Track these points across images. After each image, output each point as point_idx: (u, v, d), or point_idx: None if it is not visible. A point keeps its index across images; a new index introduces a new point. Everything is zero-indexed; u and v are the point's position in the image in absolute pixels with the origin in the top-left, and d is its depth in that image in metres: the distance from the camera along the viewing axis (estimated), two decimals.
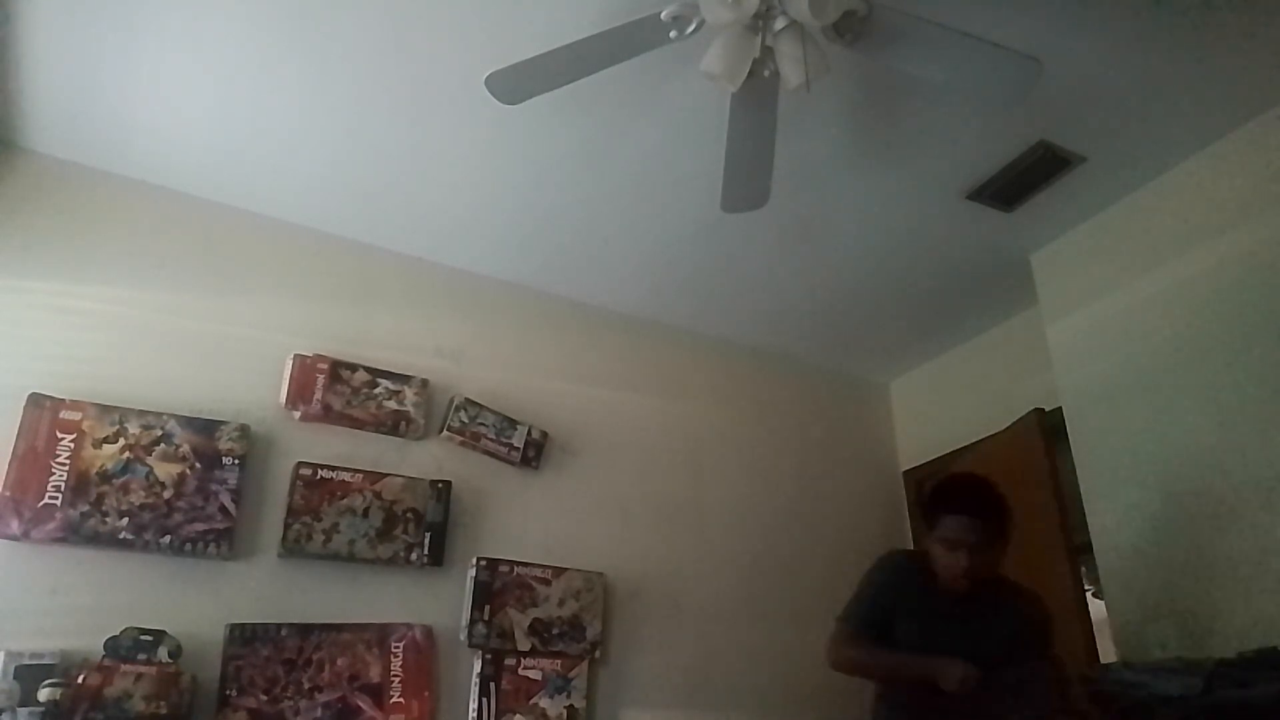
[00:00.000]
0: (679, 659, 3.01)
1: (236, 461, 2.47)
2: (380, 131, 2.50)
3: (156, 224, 2.66)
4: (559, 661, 2.74)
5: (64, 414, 2.30)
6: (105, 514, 2.26)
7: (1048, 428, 2.94)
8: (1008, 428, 3.19)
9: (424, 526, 2.68)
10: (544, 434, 3.04)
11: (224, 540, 2.39)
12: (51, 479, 2.23)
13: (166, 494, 2.35)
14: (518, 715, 2.63)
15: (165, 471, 2.38)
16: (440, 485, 2.75)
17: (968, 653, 1.92)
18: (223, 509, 2.41)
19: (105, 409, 2.35)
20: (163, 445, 2.39)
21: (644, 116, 2.42)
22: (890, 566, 2.24)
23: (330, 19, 2.11)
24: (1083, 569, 2.90)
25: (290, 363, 2.67)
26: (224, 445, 2.47)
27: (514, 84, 1.99)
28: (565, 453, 3.10)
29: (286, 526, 2.49)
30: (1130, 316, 2.70)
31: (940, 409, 3.78)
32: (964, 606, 2.02)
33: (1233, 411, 2.37)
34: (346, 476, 2.63)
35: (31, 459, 2.23)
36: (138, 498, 2.32)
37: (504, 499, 2.92)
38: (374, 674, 2.46)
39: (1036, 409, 2.99)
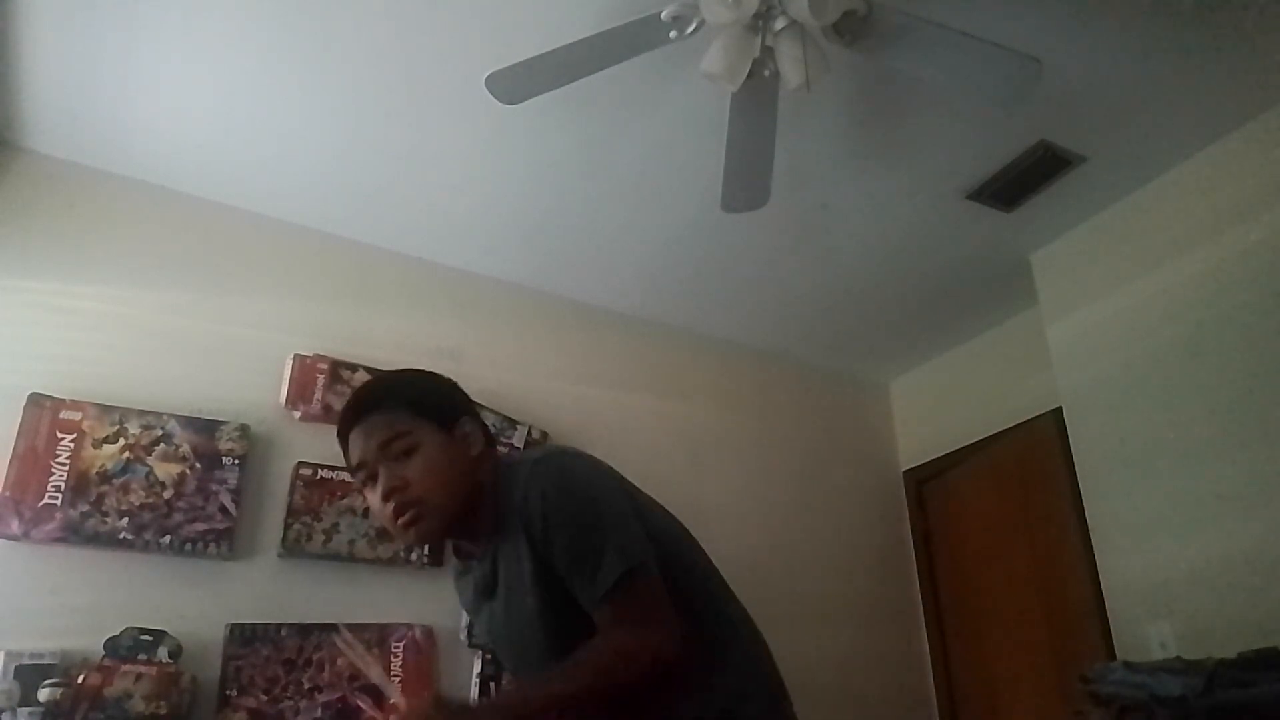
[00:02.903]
0: None
1: (236, 461, 2.47)
2: (380, 131, 2.50)
3: (156, 224, 2.66)
4: None
5: (64, 414, 2.29)
6: (105, 514, 2.26)
7: (1064, 426, 2.93)
8: (1021, 424, 3.19)
9: None
10: (544, 434, 3.04)
11: (224, 540, 2.39)
12: (51, 479, 2.23)
13: (166, 494, 2.35)
14: None
15: (165, 471, 2.37)
16: None
17: (512, 642, 1.30)
18: (223, 509, 2.41)
19: (105, 409, 2.35)
20: (163, 445, 2.39)
21: (644, 116, 2.42)
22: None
23: (330, 19, 2.11)
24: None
25: (290, 363, 2.67)
26: (224, 445, 2.47)
27: (514, 84, 1.99)
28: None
29: (286, 526, 2.49)
30: (1130, 316, 2.70)
31: (940, 409, 3.78)
32: (487, 566, 1.30)
33: (1233, 411, 2.37)
34: (346, 476, 2.62)
35: (31, 459, 2.22)
36: (138, 498, 2.32)
37: None
38: (374, 674, 2.46)
39: (1055, 408, 2.98)
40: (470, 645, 2.64)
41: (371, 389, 1.35)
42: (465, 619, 2.65)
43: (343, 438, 1.30)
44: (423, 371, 1.41)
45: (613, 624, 1.15)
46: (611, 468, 1.35)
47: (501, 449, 2.92)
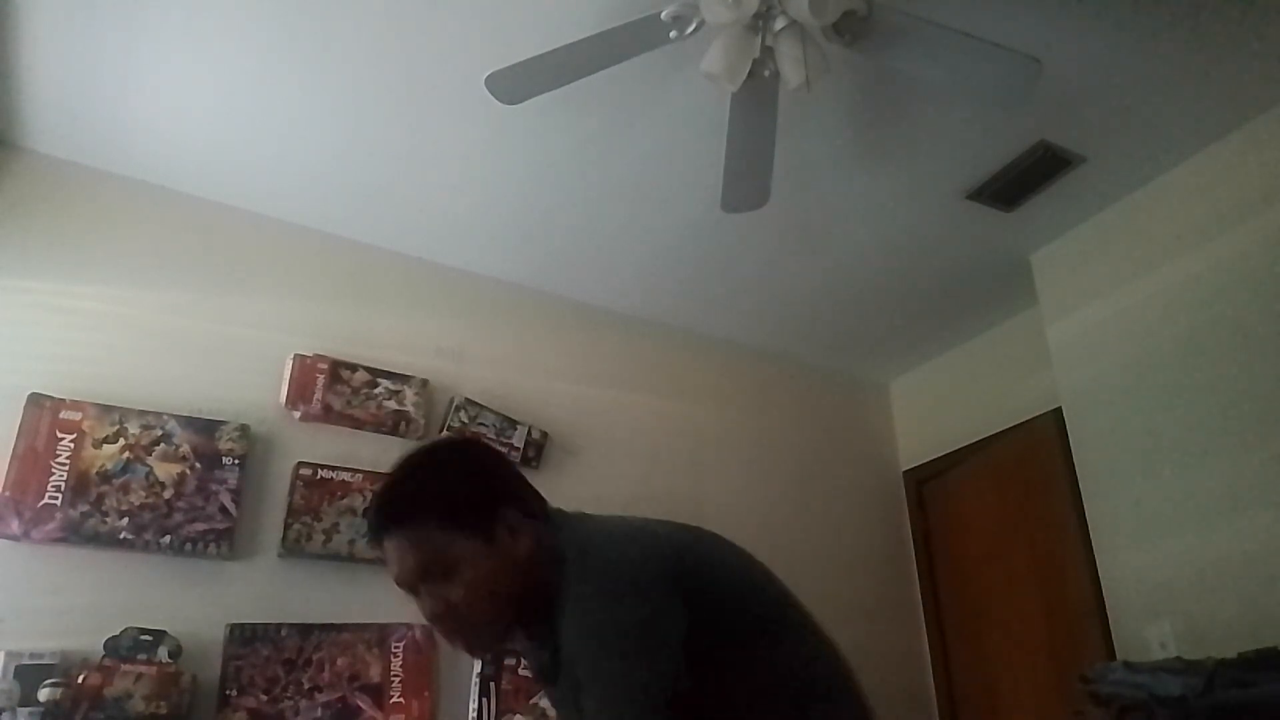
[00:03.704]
0: None
1: (236, 461, 2.47)
2: (380, 131, 2.50)
3: (156, 224, 2.66)
4: None
5: (64, 414, 2.29)
6: (105, 514, 2.26)
7: (1064, 427, 2.93)
8: (1021, 424, 3.19)
9: None
10: (544, 434, 3.04)
11: (224, 540, 2.39)
12: (51, 479, 2.23)
13: (166, 494, 2.35)
14: (518, 715, 2.63)
15: (165, 471, 2.37)
16: None
17: None
18: (223, 509, 2.41)
19: (105, 409, 2.35)
20: (163, 445, 2.39)
21: (644, 116, 2.42)
22: None
23: (330, 19, 2.11)
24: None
25: (290, 363, 2.67)
26: (224, 445, 2.47)
27: (514, 84, 1.99)
28: (565, 453, 3.10)
29: (286, 526, 2.49)
30: (1130, 316, 2.70)
31: (940, 409, 3.78)
32: (546, 653, 1.18)
33: (1233, 411, 2.37)
34: (346, 476, 2.63)
35: (31, 459, 2.22)
36: (138, 498, 2.32)
37: None
38: (374, 674, 2.46)
39: (1055, 408, 2.98)
40: None
41: (395, 503, 1.17)
42: None
43: (372, 545, 1.18)
44: (449, 459, 1.24)
45: None
46: (659, 541, 1.16)
47: (502, 448, 2.92)
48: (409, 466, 1.20)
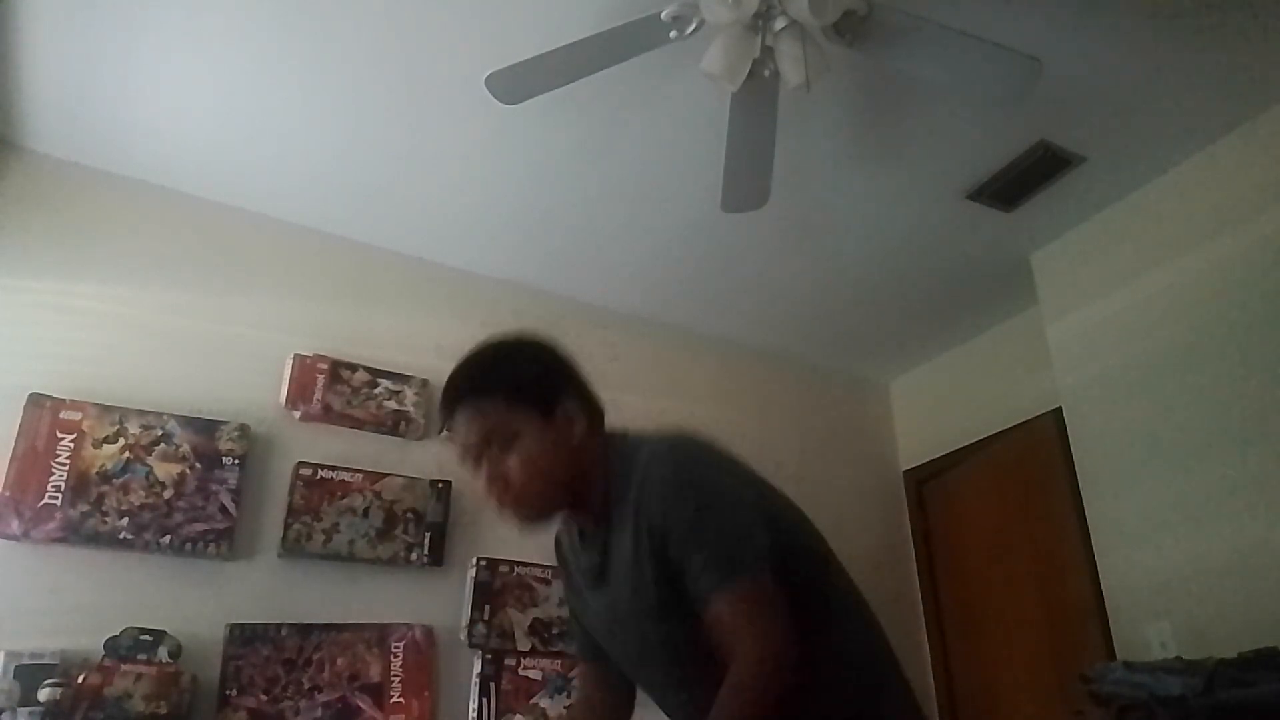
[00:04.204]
0: None
1: (236, 461, 2.47)
2: (380, 131, 2.50)
3: (156, 224, 2.66)
4: (559, 661, 2.74)
5: (64, 414, 2.30)
6: (105, 514, 2.26)
7: (1064, 427, 2.93)
8: (1021, 424, 3.19)
9: (424, 526, 2.68)
10: None
11: (224, 540, 2.39)
12: (51, 479, 2.23)
13: (166, 494, 2.35)
14: (518, 715, 2.63)
15: (165, 471, 2.37)
16: (440, 485, 2.75)
17: (622, 636, 1.26)
18: (223, 509, 2.41)
19: (105, 409, 2.35)
20: (163, 445, 2.39)
21: (643, 117, 2.42)
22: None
23: (330, 19, 2.11)
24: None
25: (290, 363, 2.67)
26: (224, 445, 2.47)
27: (514, 84, 1.99)
28: None
29: (286, 526, 2.49)
30: (1130, 316, 2.70)
31: (940, 409, 3.78)
32: (596, 555, 1.26)
33: (1233, 411, 2.37)
34: (346, 476, 2.63)
35: (31, 459, 2.23)
36: (138, 498, 2.32)
37: None
38: (374, 674, 2.46)
39: (1055, 408, 2.98)
40: (470, 645, 2.64)
41: (469, 375, 1.30)
42: (465, 618, 2.65)
43: (443, 415, 1.29)
44: (524, 346, 1.36)
45: (724, 624, 1.07)
46: (731, 453, 1.29)
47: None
48: (486, 348, 1.33)
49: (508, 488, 1.21)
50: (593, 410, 1.32)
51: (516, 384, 1.26)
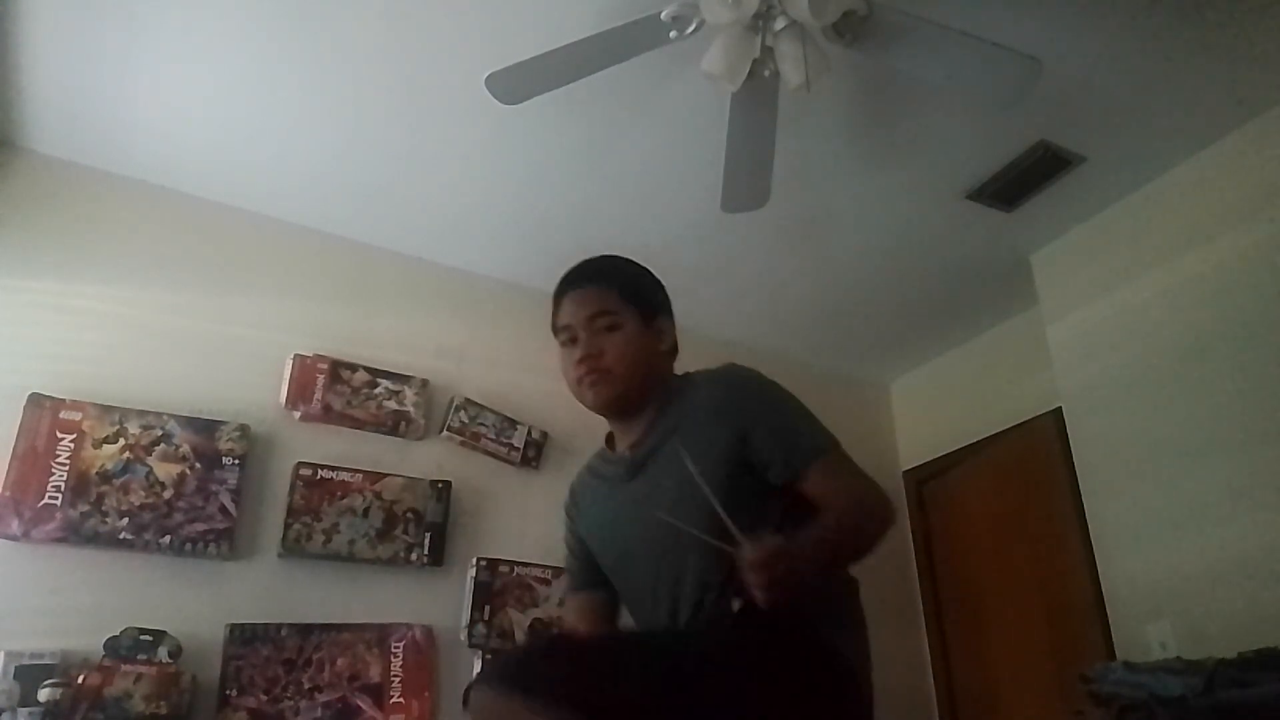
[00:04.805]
0: None
1: (236, 461, 2.47)
2: (380, 131, 2.50)
3: (156, 224, 2.66)
4: None
5: (64, 414, 2.30)
6: (105, 514, 2.26)
7: (1064, 427, 2.93)
8: (1021, 424, 3.19)
9: (424, 526, 2.68)
10: (544, 434, 3.04)
11: (224, 540, 2.39)
12: (51, 479, 2.23)
13: (166, 494, 2.35)
14: None
15: (165, 471, 2.37)
16: (440, 485, 2.75)
17: (639, 538, 1.33)
18: (223, 509, 2.41)
19: (105, 409, 2.35)
20: (163, 445, 2.39)
21: (644, 117, 2.42)
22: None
23: (330, 19, 2.11)
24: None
25: (290, 363, 2.67)
26: (224, 445, 2.47)
27: (514, 84, 2.00)
28: (565, 453, 3.09)
29: (286, 526, 2.49)
30: (1130, 316, 2.70)
31: (940, 409, 3.78)
32: (634, 464, 1.37)
33: (1233, 411, 2.37)
34: (346, 476, 2.63)
35: (31, 459, 2.23)
36: (138, 498, 2.32)
37: (504, 499, 2.92)
38: (374, 674, 2.46)
39: (1055, 408, 2.98)
40: (470, 645, 2.64)
41: (597, 264, 1.48)
42: (465, 618, 2.65)
43: (556, 299, 1.46)
44: (641, 266, 1.52)
45: (833, 483, 1.30)
46: None
47: (502, 448, 2.91)
48: (609, 255, 1.53)
49: (600, 362, 1.35)
50: (676, 341, 1.49)
51: (634, 285, 1.45)
